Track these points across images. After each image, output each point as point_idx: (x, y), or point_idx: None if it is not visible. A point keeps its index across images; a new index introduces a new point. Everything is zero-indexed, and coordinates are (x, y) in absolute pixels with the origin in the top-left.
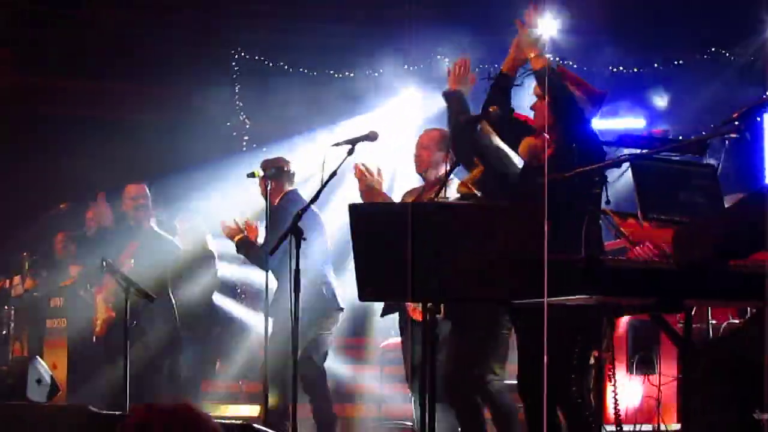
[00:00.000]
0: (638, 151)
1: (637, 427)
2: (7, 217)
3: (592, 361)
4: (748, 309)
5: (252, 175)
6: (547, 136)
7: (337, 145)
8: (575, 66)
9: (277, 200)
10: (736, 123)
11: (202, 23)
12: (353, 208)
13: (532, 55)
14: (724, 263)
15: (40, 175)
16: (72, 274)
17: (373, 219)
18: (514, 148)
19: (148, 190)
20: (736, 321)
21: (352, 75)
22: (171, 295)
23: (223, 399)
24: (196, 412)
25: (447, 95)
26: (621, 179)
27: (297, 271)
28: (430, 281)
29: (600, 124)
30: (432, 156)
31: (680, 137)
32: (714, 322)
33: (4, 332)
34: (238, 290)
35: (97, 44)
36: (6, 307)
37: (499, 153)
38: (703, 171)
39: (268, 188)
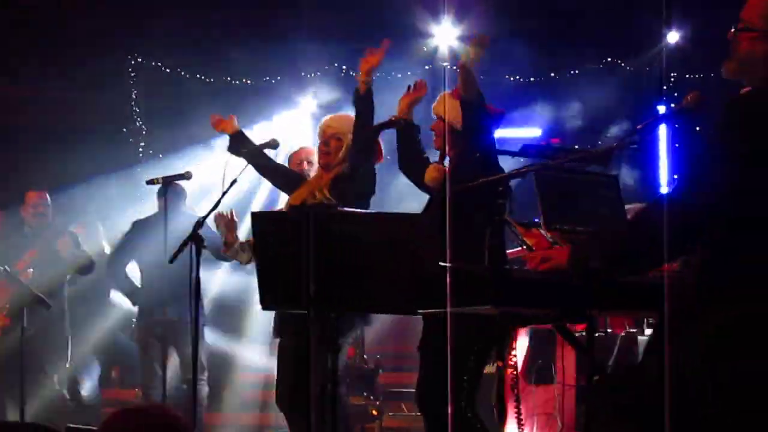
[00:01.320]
0: (541, 161)
1: None
2: None
3: (493, 370)
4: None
5: (152, 182)
6: (448, 158)
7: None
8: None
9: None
10: (638, 134)
11: (99, 27)
12: (255, 216)
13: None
14: (619, 275)
15: None
16: None
17: (275, 227)
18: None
19: (48, 198)
20: (633, 330)
21: (250, 82)
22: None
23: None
24: (172, 413)
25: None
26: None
27: (198, 279)
28: (331, 291)
29: (499, 132)
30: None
31: (576, 146)
32: (610, 330)
33: None
34: None
35: None
36: None
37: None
38: (605, 181)
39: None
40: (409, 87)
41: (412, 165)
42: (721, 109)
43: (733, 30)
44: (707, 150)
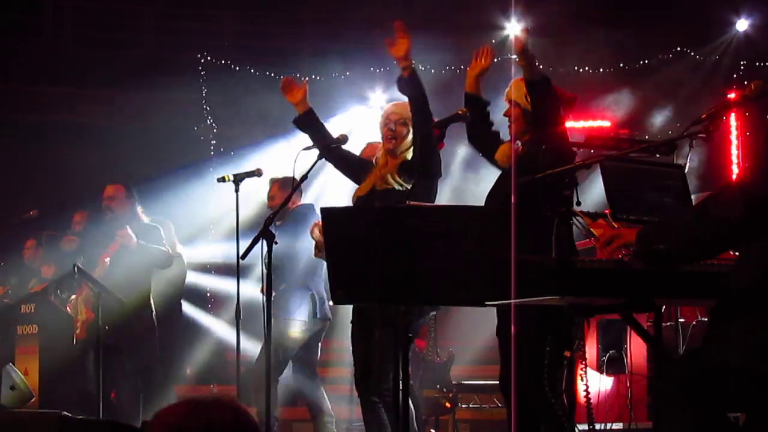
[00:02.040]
0: (606, 152)
1: (609, 426)
2: None
3: (564, 361)
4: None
5: (222, 179)
6: (520, 142)
7: (308, 148)
8: (541, 66)
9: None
10: (704, 123)
11: (168, 27)
12: (325, 212)
13: (529, 62)
14: (687, 261)
15: (9, 181)
16: (45, 275)
17: (345, 222)
18: (490, 156)
19: (125, 191)
20: (705, 319)
21: (320, 78)
22: (151, 299)
23: None
24: (236, 404)
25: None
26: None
27: (269, 275)
28: (401, 284)
29: (568, 124)
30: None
31: (646, 136)
32: (683, 320)
33: None
34: (208, 295)
35: (64, 50)
36: None
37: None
38: (671, 171)
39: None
40: (475, 55)
41: (482, 138)
42: None
43: None
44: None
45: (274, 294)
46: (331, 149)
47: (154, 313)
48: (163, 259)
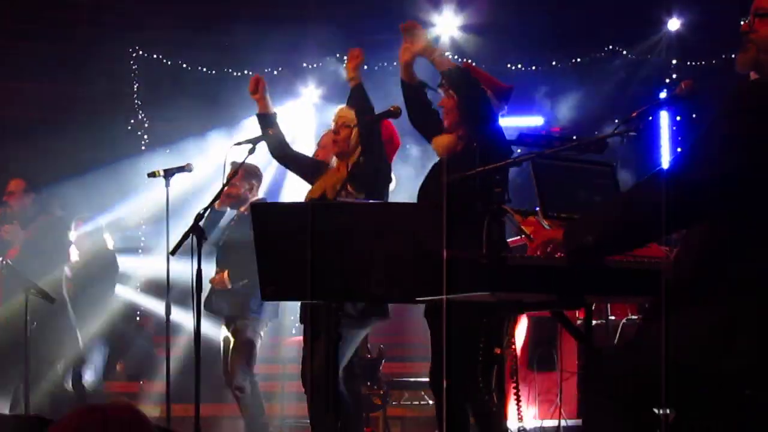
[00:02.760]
0: (538, 149)
1: (540, 423)
2: None
3: (495, 358)
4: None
5: (153, 174)
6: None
7: (238, 144)
8: (474, 63)
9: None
10: (635, 121)
11: (100, 20)
12: (255, 207)
13: (433, 57)
14: (616, 251)
15: None
16: None
17: (275, 217)
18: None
19: (24, 185)
20: (635, 317)
21: (250, 73)
22: (65, 292)
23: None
24: (134, 410)
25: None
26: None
27: (199, 271)
28: (332, 280)
29: (502, 120)
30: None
31: (575, 135)
32: (613, 318)
33: None
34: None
35: None
36: None
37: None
38: (602, 170)
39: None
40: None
41: (424, 122)
42: (732, 92)
43: (747, 21)
44: (713, 130)
45: (230, 288)
46: (285, 146)
47: (70, 310)
48: (59, 254)
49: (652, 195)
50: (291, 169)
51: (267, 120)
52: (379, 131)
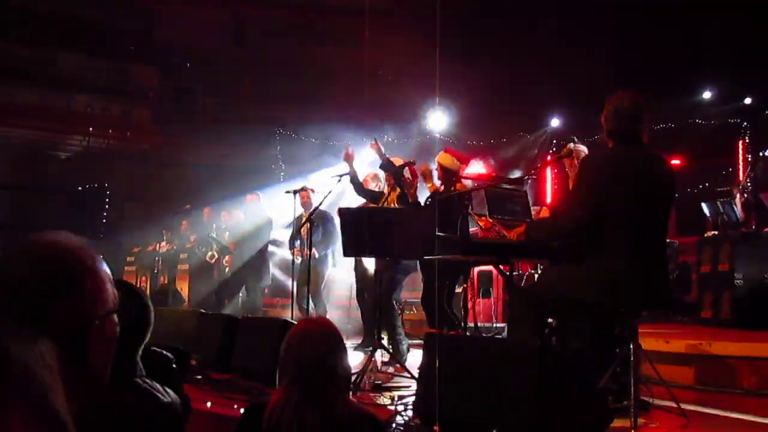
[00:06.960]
0: (486, 183)
1: (482, 324)
2: (160, 213)
3: (460, 290)
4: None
5: (288, 192)
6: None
7: (339, 176)
8: (453, 142)
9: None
10: (536, 171)
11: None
12: (340, 211)
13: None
14: (538, 242)
15: (175, 185)
16: (192, 240)
17: (349, 216)
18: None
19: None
20: (532, 270)
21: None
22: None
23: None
24: (330, 323)
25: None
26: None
27: (310, 247)
28: (382, 244)
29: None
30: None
31: (502, 176)
32: (521, 271)
33: (155, 271)
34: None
35: None
36: (156, 258)
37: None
38: (520, 193)
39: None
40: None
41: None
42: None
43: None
44: (574, 188)
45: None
46: (360, 190)
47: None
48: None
49: (559, 224)
50: (362, 196)
51: (389, 164)
52: (401, 175)
